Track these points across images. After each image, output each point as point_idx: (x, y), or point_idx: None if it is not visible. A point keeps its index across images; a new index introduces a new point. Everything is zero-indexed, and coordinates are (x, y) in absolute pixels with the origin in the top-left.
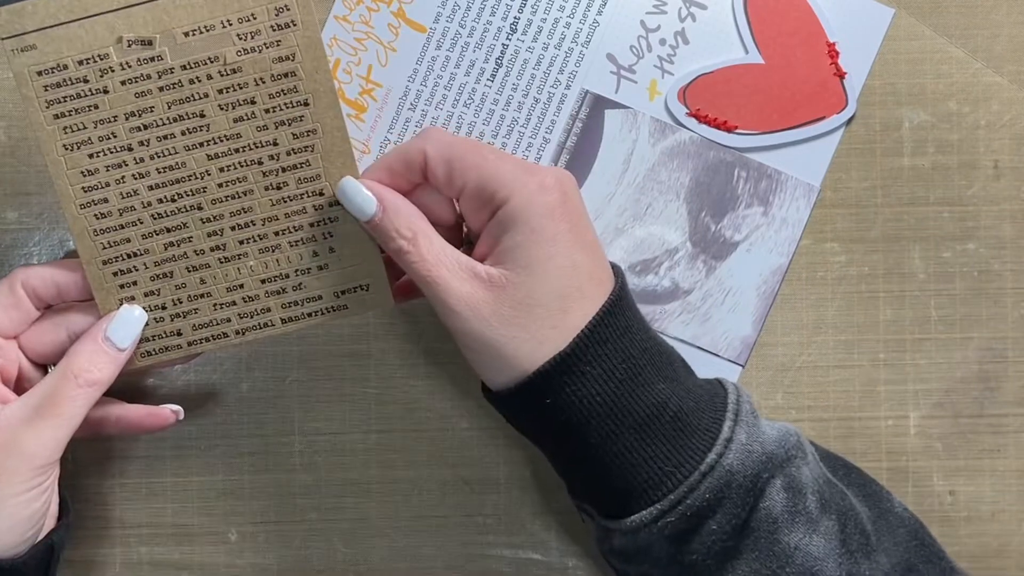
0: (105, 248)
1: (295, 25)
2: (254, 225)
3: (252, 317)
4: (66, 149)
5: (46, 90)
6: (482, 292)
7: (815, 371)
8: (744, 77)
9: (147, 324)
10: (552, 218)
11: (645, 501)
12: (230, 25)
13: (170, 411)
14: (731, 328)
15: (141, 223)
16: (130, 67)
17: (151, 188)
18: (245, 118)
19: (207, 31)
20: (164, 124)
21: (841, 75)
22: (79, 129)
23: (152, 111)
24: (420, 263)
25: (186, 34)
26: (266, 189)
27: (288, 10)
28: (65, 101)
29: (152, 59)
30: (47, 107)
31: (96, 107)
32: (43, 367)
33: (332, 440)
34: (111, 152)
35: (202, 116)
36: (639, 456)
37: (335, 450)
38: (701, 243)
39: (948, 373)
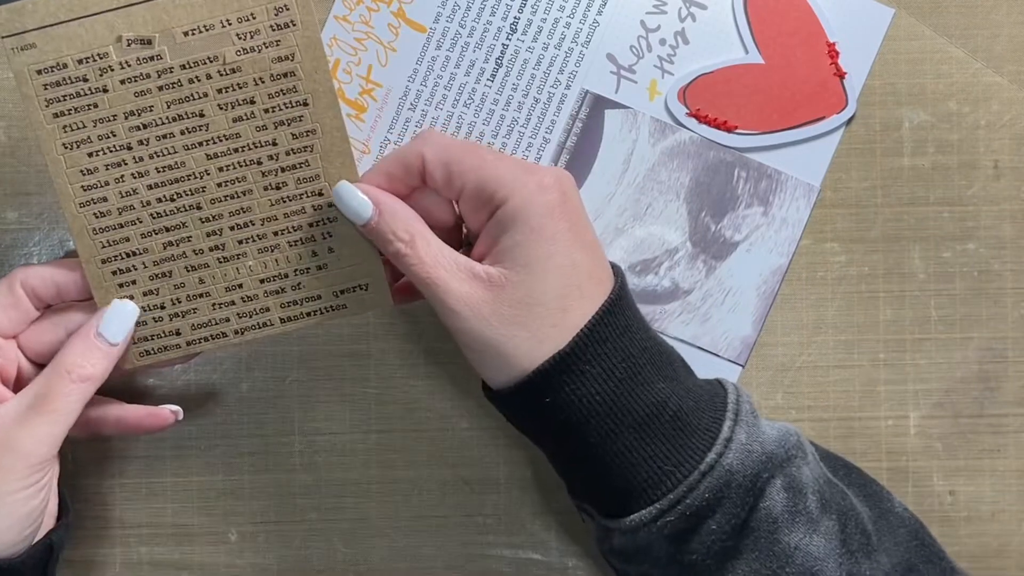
0: (104, 247)
1: (294, 25)
2: (253, 225)
3: (251, 317)
4: (65, 148)
5: (46, 89)
6: (481, 292)
7: (815, 371)
8: (744, 77)
9: (146, 324)
10: (551, 217)
11: (644, 500)
12: (229, 25)
13: (169, 411)
14: (731, 328)
15: (140, 222)
16: (129, 66)
17: (150, 187)
18: (244, 118)
19: (206, 31)
20: (163, 123)
21: (841, 75)
22: (78, 128)
23: (151, 110)
24: (418, 265)
25: (185, 33)
26: (265, 189)
27: (287, 10)
28: (65, 100)
29: (151, 58)
30: (47, 106)
31: (95, 106)
32: (42, 367)
33: (332, 440)
34: (110, 151)
35: (201, 116)
36: (638, 455)
37: (335, 450)
38: (701, 243)
39: (948, 373)
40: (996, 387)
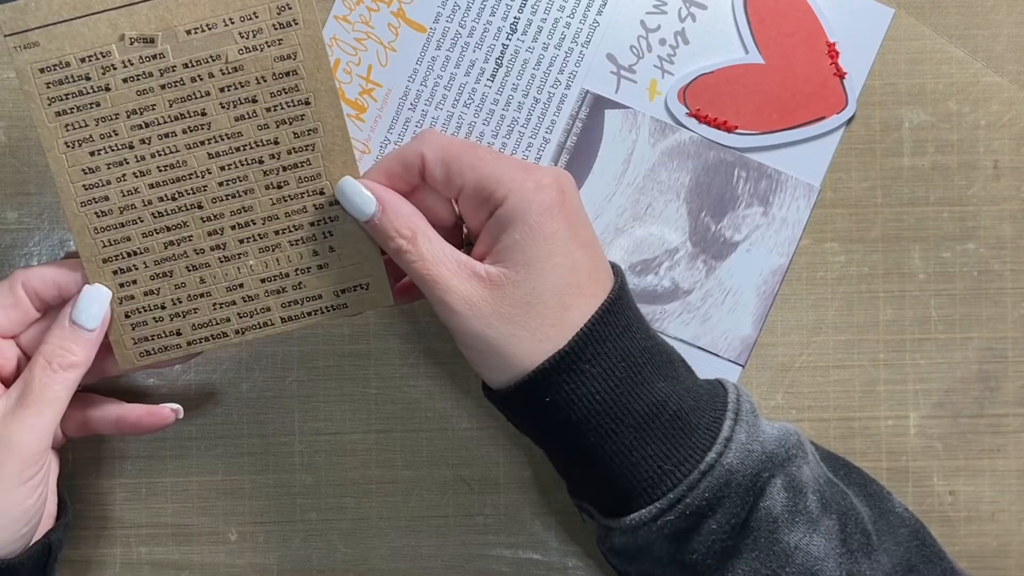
0: (105, 246)
1: (297, 24)
2: (254, 224)
3: (252, 316)
4: (67, 147)
5: (48, 87)
6: (482, 291)
7: (815, 371)
8: (744, 77)
9: (146, 324)
10: (550, 216)
11: (644, 500)
12: (232, 23)
13: (169, 410)
14: (731, 328)
15: (141, 221)
16: (132, 65)
17: (152, 186)
18: (246, 117)
19: (209, 29)
20: (165, 122)
21: (841, 75)
22: (80, 127)
23: (153, 109)
24: (419, 262)
25: (188, 32)
26: (267, 188)
27: (290, 9)
28: (67, 99)
29: (154, 57)
30: (49, 104)
31: (98, 105)
32: None
33: (332, 440)
34: (112, 150)
35: (203, 114)
36: (638, 455)
37: (335, 450)
38: (701, 243)
39: (948, 373)
40: (996, 387)
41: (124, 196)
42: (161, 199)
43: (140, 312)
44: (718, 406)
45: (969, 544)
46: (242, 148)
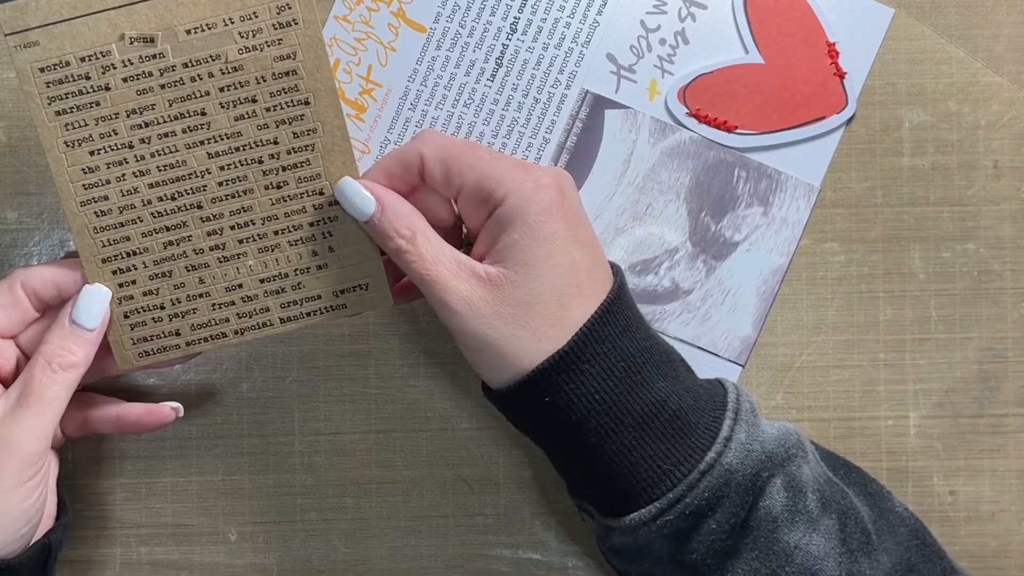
0: (104, 246)
1: (296, 24)
2: (254, 224)
3: (251, 317)
4: (67, 146)
5: (48, 87)
6: (481, 291)
7: (815, 371)
8: (744, 77)
9: (145, 324)
10: (549, 216)
11: (644, 500)
12: (232, 23)
13: (170, 408)
14: (731, 328)
15: (141, 221)
16: (132, 64)
17: (151, 186)
18: (246, 116)
19: (209, 29)
20: (165, 122)
21: (841, 75)
22: (80, 126)
23: (153, 109)
24: (419, 262)
25: (188, 32)
26: (266, 188)
27: (290, 8)
28: (67, 98)
29: (154, 57)
30: (49, 104)
31: (98, 104)
32: None
33: (332, 440)
34: (112, 149)
35: (203, 114)
36: (638, 455)
37: (335, 450)
38: (701, 243)
39: (948, 373)
40: (996, 387)
41: (124, 196)
42: (160, 199)
43: (139, 312)
44: (718, 406)
45: (969, 544)
46: (242, 148)
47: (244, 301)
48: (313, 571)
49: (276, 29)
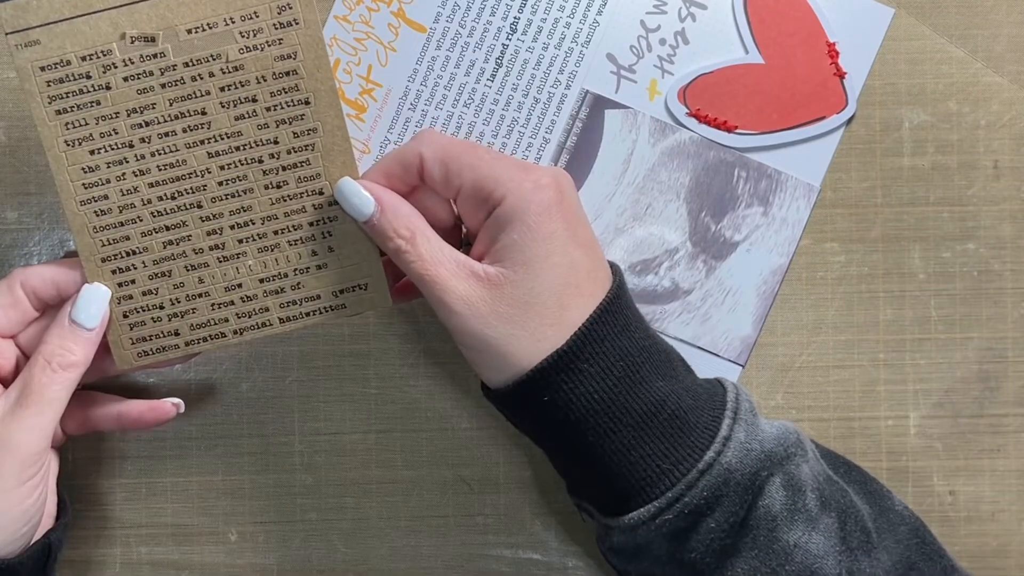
0: (104, 245)
1: (297, 24)
2: (253, 224)
3: (250, 317)
4: (67, 145)
5: (49, 86)
6: (480, 290)
7: (815, 371)
8: (744, 77)
9: (144, 324)
10: (548, 216)
11: (643, 499)
12: (232, 23)
13: (171, 404)
14: (731, 328)
15: (140, 221)
16: (133, 64)
17: (151, 185)
18: (246, 116)
19: (210, 28)
20: (165, 121)
21: (841, 75)
22: (81, 125)
23: (154, 108)
24: (418, 262)
25: (189, 31)
26: (266, 188)
27: (290, 8)
28: (67, 97)
29: (155, 56)
30: (49, 103)
31: (98, 103)
32: None
33: (332, 440)
34: (112, 149)
35: (203, 114)
36: (637, 454)
37: (335, 450)
38: (701, 243)
39: (948, 373)
40: (996, 387)
41: (123, 195)
42: (160, 198)
43: (138, 312)
44: (717, 405)
45: (969, 544)
46: (242, 148)
47: (243, 301)
48: (313, 571)
49: (277, 29)
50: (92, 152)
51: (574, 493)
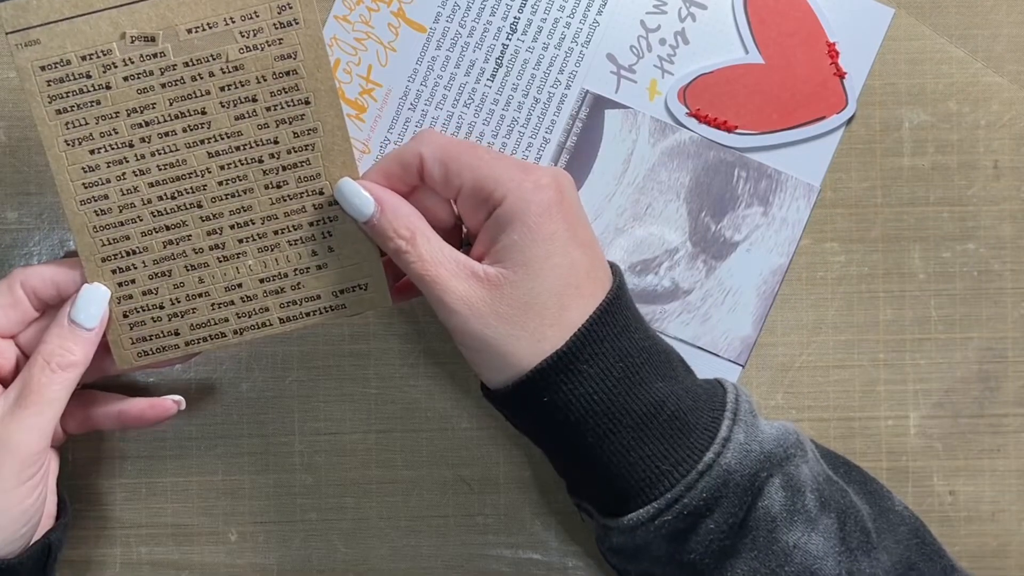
0: (104, 245)
1: (297, 23)
2: (253, 224)
3: (250, 317)
4: (68, 145)
5: (49, 85)
6: (480, 291)
7: (815, 371)
8: (744, 77)
9: (144, 324)
10: (549, 216)
11: (642, 500)
12: (233, 23)
13: (172, 401)
14: (731, 328)
15: (140, 220)
16: (133, 63)
17: (151, 185)
18: (246, 116)
19: (210, 28)
20: (165, 121)
21: (841, 75)
22: (81, 125)
23: (154, 108)
24: (418, 263)
25: (189, 31)
26: (266, 188)
27: (290, 8)
28: (68, 96)
29: (155, 55)
30: (50, 102)
31: (98, 103)
32: None
33: (332, 440)
34: (112, 148)
35: (203, 113)
36: (636, 455)
37: (335, 450)
38: (701, 243)
39: (948, 373)
40: (996, 387)
41: (124, 195)
42: (160, 198)
43: (138, 312)
44: (716, 406)
45: (969, 544)
46: (242, 147)
47: (243, 301)
48: (313, 571)
49: (277, 29)
50: (92, 152)
51: (574, 493)
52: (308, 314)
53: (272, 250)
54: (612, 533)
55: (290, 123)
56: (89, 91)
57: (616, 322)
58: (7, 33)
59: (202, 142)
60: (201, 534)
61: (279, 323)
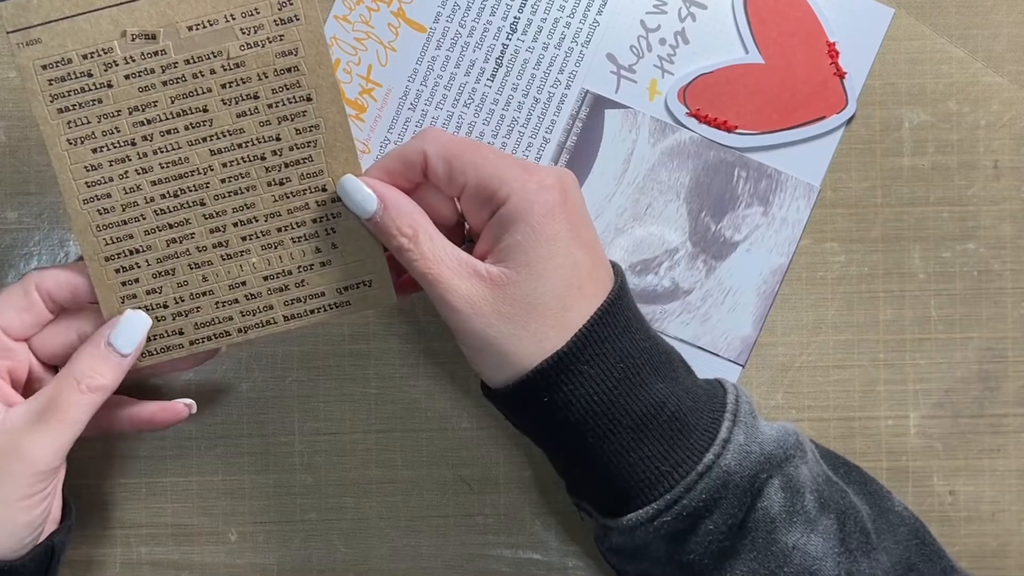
0: (107, 244)
1: (298, 20)
2: (256, 221)
3: (255, 315)
4: (70, 144)
5: (50, 84)
6: (483, 290)
7: (815, 371)
8: (744, 77)
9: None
10: (552, 217)
11: (642, 500)
12: (233, 20)
13: (183, 405)
14: (731, 328)
15: (144, 219)
16: (134, 61)
17: (154, 183)
18: (248, 113)
19: (211, 25)
20: (167, 119)
21: (841, 75)
22: (83, 124)
23: (155, 106)
24: (421, 261)
25: (190, 28)
26: (269, 185)
27: (291, 5)
28: (69, 95)
29: (156, 53)
30: (51, 101)
31: (100, 101)
32: (53, 369)
33: (332, 440)
34: (114, 147)
35: (205, 111)
36: (636, 456)
37: (335, 450)
38: (701, 243)
39: (948, 373)
40: (996, 387)
41: (126, 193)
42: (163, 196)
43: (133, 309)
44: (716, 407)
45: (969, 544)
46: (244, 144)
47: (248, 299)
48: (313, 571)
49: (278, 25)
50: (94, 150)
51: (573, 493)
52: (313, 311)
53: (276, 247)
54: (611, 533)
55: (292, 120)
56: (91, 90)
57: (617, 323)
58: (8, 32)
59: (204, 140)
60: (201, 534)
61: (284, 321)
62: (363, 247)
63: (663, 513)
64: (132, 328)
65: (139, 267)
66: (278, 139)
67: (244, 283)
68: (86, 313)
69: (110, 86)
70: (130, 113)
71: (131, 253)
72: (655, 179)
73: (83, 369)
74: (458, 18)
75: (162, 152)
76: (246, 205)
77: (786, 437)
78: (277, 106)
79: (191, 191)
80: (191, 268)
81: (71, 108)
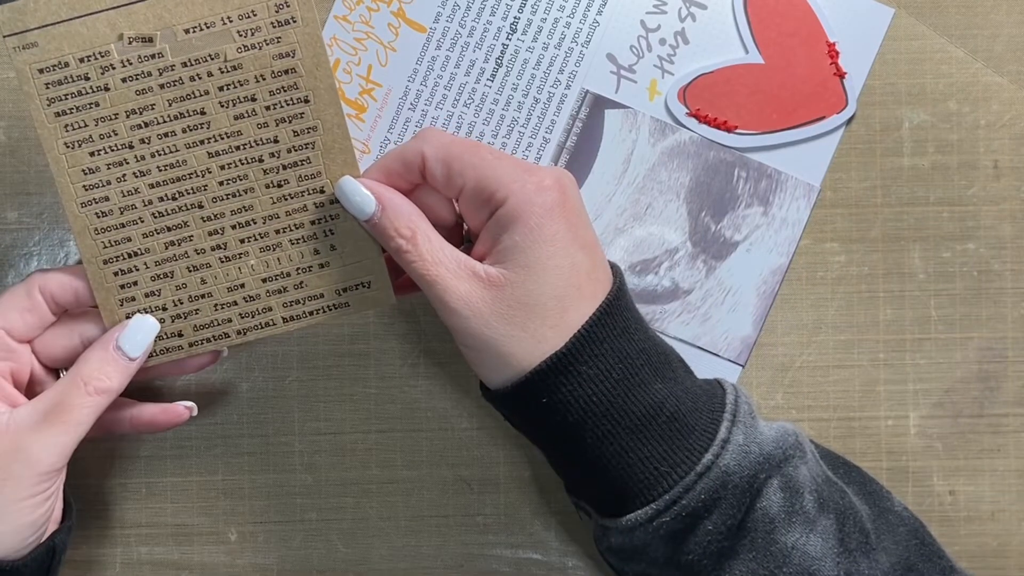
0: (106, 247)
1: (295, 22)
2: (255, 223)
3: (253, 317)
4: (67, 147)
5: (47, 88)
6: (481, 291)
7: (815, 371)
8: (744, 77)
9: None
10: (551, 218)
11: (641, 501)
12: (230, 22)
13: (184, 407)
14: (731, 328)
15: (142, 222)
16: (131, 64)
17: (152, 186)
18: (246, 115)
19: (207, 28)
20: (165, 122)
21: (841, 75)
22: (80, 127)
23: (153, 109)
24: (419, 262)
25: (187, 31)
26: (267, 187)
27: (288, 6)
28: (66, 99)
29: (153, 56)
30: (48, 105)
31: (97, 105)
32: (55, 371)
33: (332, 440)
34: (112, 150)
35: (203, 113)
36: (635, 456)
37: (335, 450)
38: (701, 243)
39: (948, 373)
40: (996, 387)
41: (124, 196)
42: (161, 199)
43: (141, 314)
44: (715, 407)
45: (969, 544)
46: (242, 147)
47: (246, 301)
48: (313, 571)
49: (274, 27)
50: (92, 154)
51: (572, 492)
52: (311, 313)
53: (274, 249)
54: (610, 533)
55: (290, 122)
56: (88, 93)
57: (616, 324)
58: (4, 36)
59: (202, 142)
60: (201, 534)
61: (283, 323)
62: (362, 248)
63: (662, 513)
64: (141, 332)
65: (138, 270)
66: (276, 141)
67: (243, 285)
68: (88, 316)
69: (107, 89)
70: (127, 116)
71: (130, 256)
72: (655, 179)
73: (91, 371)
74: (458, 18)
75: (160, 155)
76: (244, 207)
77: (785, 437)
78: (275, 108)
79: (189, 194)
80: (190, 270)
81: (68, 111)
